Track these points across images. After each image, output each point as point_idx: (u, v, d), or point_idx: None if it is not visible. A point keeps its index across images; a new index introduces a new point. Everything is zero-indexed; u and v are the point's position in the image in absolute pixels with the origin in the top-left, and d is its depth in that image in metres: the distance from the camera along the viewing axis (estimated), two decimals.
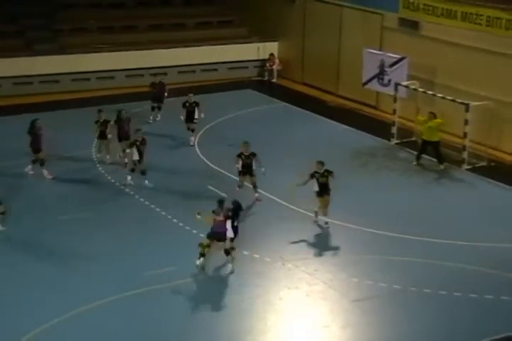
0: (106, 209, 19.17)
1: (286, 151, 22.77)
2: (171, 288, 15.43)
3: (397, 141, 24.27)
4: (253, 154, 19.28)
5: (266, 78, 31.76)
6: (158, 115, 25.47)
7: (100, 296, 14.94)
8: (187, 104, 23.45)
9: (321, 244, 17.42)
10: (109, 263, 16.42)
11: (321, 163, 18.01)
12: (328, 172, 18.00)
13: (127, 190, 20.20)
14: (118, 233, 17.87)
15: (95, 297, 14.90)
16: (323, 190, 18.00)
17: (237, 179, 19.51)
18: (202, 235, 17.60)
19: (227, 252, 16.04)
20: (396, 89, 24.38)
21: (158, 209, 19.08)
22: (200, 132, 24.28)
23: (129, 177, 20.37)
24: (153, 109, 25.47)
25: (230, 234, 15.93)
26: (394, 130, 24.29)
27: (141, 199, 19.64)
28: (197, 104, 23.41)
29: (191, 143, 23.49)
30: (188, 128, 23.51)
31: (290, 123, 26.06)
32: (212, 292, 15.38)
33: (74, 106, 27.00)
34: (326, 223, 18.10)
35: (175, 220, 18.48)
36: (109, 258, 16.61)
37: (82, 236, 17.60)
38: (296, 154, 22.70)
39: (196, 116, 23.38)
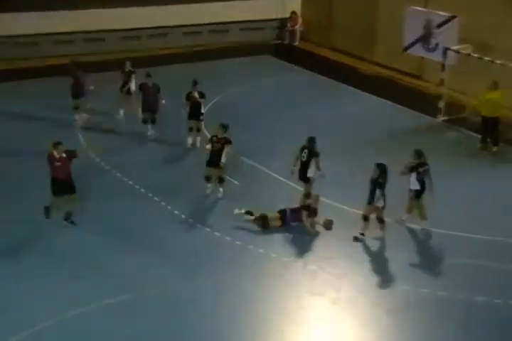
0: (103, 198, 19.23)
1: (310, 129, 22.65)
2: (174, 291, 15.49)
3: (444, 118, 24.21)
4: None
5: (286, 41, 31.82)
6: (153, 131, 22.76)
7: (95, 298, 15.07)
8: (191, 95, 21.70)
9: (352, 242, 17.37)
10: (101, 260, 16.55)
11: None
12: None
13: (125, 178, 20.24)
14: (113, 224, 18.03)
15: (87, 299, 15.02)
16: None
17: (252, 163, 19.46)
18: (207, 229, 17.68)
19: (381, 220, 17.45)
20: (445, 55, 24.29)
21: (157, 199, 19.18)
22: (208, 106, 24.20)
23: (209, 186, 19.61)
24: (145, 122, 22.73)
25: (379, 202, 17.15)
26: (441, 104, 24.24)
27: (136, 186, 19.77)
28: (203, 95, 21.81)
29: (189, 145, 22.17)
30: (191, 129, 21.93)
31: (315, 95, 26.06)
32: (222, 297, 15.36)
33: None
34: None
35: (176, 212, 18.57)
36: (102, 256, 16.75)
37: (73, 228, 17.74)
38: (321, 133, 22.56)
39: (203, 111, 21.96)
